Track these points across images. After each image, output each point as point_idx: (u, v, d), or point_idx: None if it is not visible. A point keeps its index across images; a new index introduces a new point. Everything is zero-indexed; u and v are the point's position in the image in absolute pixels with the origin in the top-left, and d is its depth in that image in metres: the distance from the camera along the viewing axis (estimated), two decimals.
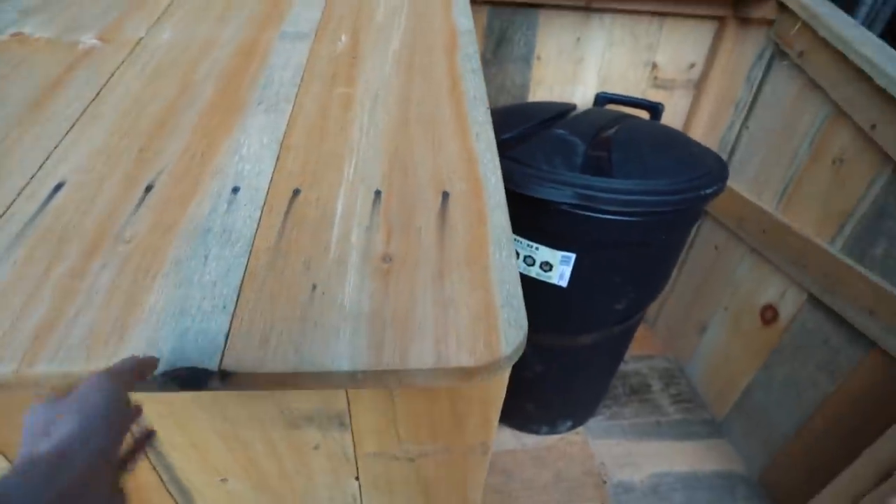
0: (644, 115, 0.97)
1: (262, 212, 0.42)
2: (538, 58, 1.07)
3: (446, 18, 0.67)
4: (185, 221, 0.41)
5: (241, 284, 0.37)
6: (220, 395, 0.41)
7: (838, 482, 0.81)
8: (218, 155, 0.47)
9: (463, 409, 0.46)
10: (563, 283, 0.77)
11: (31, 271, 0.37)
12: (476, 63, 0.60)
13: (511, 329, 0.36)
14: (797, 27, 0.89)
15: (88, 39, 0.56)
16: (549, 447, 1.07)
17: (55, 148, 0.46)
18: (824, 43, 0.83)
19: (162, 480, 0.50)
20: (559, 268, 0.76)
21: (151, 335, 0.34)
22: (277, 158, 0.47)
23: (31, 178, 0.43)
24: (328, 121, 0.51)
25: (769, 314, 1.00)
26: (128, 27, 0.59)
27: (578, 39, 1.07)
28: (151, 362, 0.32)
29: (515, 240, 0.79)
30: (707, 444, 1.11)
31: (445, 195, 0.45)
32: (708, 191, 0.70)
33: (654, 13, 1.05)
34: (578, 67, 1.10)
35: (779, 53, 0.96)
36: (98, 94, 0.51)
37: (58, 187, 0.43)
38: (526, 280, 0.80)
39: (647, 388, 1.23)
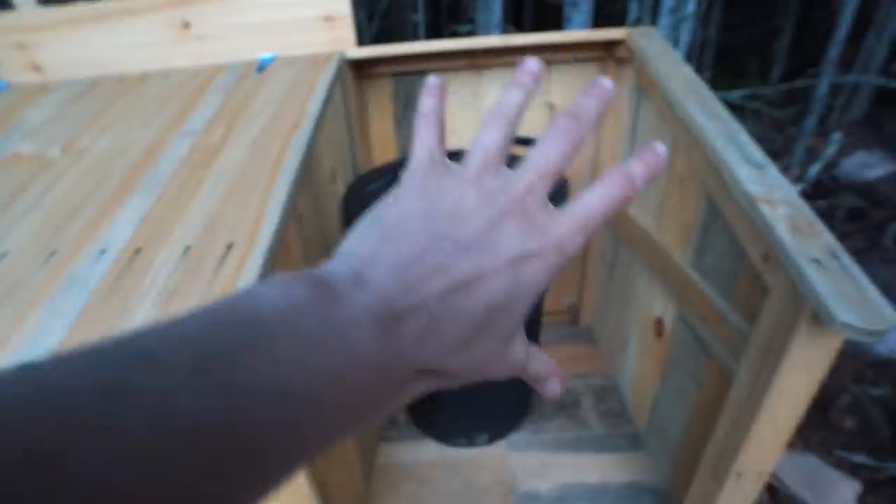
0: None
1: (112, 265, 0.64)
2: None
3: (302, 103, 0.88)
4: (66, 273, 0.64)
5: (82, 310, 0.58)
6: None
7: (692, 489, 0.84)
8: (101, 227, 0.70)
9: None
10: None
11: None
12: (304, 140, 0.79)
13: None
14: (637, 65, 0.99)
15: (53, 151, 0.84)
16: (467, 459, 1.16)
17: (10, 228, 0.72)
18: (652, 80, 0.92)
19: None
20: None
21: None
22: (136, 228, 0.69)
23: None
24: (181, 198, 0.73)
25: (659, 327, 1.05)
26: (82, 139, 0.87)
27: (475, 93, 1.23)
28: None
29: None
30: (625, 456, 1.14)
31: (230, 246, 0.64)
32: None
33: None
34: (480, 116, 1.26)
35: (642, 88, 1.05)
36: (47, 189, 0.78)
37: (3, 255, 0.68)
38: None
39: (578, 404, 1.29)
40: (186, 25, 1.06)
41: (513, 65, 1.19)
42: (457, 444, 1.19)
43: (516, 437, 1.21)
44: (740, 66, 5.33)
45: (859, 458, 1.14)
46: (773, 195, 0.63)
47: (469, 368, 0.19)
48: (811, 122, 3.12)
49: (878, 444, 1.16)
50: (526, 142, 1.13)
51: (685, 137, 0.84)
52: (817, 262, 0.54)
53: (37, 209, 0.74)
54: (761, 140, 3.77)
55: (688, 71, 0.88)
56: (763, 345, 0.63)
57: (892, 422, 1.20)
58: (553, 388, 0.25)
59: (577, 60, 1.18)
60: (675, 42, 2.65)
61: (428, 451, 1.19)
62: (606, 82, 0.24)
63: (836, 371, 1.32)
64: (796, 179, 3.07)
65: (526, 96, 0.24)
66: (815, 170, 3.05)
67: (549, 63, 1.19)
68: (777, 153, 3.47)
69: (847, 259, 0.54)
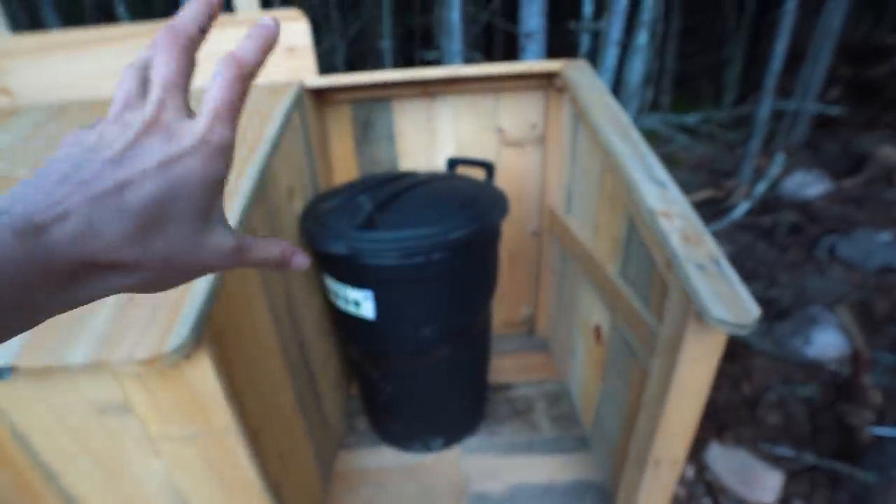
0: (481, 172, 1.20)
1: None
2: (399, 135, 1.33)
3: (260, 129, 0.95)
4: None
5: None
6: (33, 387, 0.65)
7: (623, 480, 0.91)
8: None
9: (199, 397, 0.67)
10: (372, 315, 0.98)
11: None
12: (259, 162, 0.85)
13: (176, 336, 0.58)
14: (570, 95, 1.10)
15: (21, 172, 0.88)
16: (422, 463, 1.21)
17: None
18: (582, 108, 1.03)
19: (30, 460, 0.74)
20: (364, 303, 0.97)
21: None
22: None
23: None
24: None
25: (598, 334, 1.13)
26: None
27: (429, 118, 1.32)
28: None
29: (332, 283, 1.01)
30: (573, 457, 1.21)
31: None
32: (456, 235, 0.89)
33: (487, 90, 1.29)
34: (435, 138, 1.35)
35: (577, 114, 1.16)
36: None
37: None
38: (346, 314, 1.03)
39: (532, 409, 1.35)
40: None
41: (462, 91, 1.29)
42: (413, 449, 1.23)
43: (471, 441, 1.26)
44: (696, 91, 5.67)
45: (782, 451, 1.24)
46: (670, 209, 0.72)
47: (155, 257, 0.22)
48: (755, 144, 3.36)
49: (799, 437, 1.27)
50: (466, 162, 1.23)
51: (609, 159, 0.94)
52: (701, 267, 0.63)
53: None
54: (714, 160, 3.97)
55: (609, 100, 0.99)
56: (665, 342, 0.72)
57: (815, 417, 1.31)
58: (297, 262, 0.30)
59: (523, 89, 1.29)
60: (629, 71, 2.85)
61: (385, 457, 1.23)
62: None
63: (765, 372, 1.44)
64: (744, 197, 3.28)
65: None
66: (761, 188, 3.27)
67: (495, 91, 1.30)
68: (728, 173, 3.70)
69: (725, 263, 0.64)
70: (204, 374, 0.65)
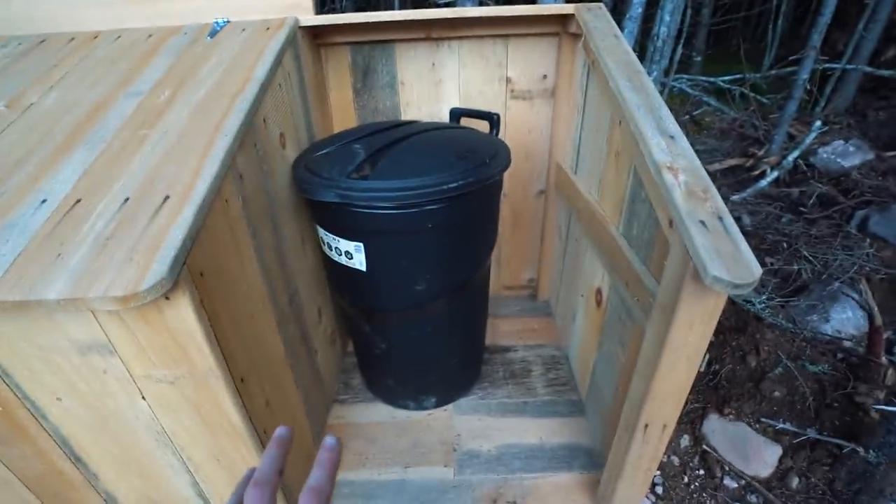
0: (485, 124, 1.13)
1: (52, 213, 0.67)
2: (402, 83, 1.27)
3: (249, 70, 0.90)
4: (5, 220, 0.66)
5: (19, 253, 0.61)
6: (14, 324, 0.65)
7: (614, 443, 0.90)
8: (44, 179, 0.72)
9: (180, 338, 0.67)
10: (363, 268, 0.95)
11: None
12: (247, 104, 0.81)
13: (153, 274, 0.57)
14: (582, 41, 1.01)
15: (1, 106, 0.86)
16: (415, 420, 1.22)
17: None
18: (594, 55, 0.95)
19: (17, 397, 0.76)
20: (356, 255, 0.94)
21: None
22: (77, 180, 0.72)
23: None
24: (123, 153, 0.75)
25: (598, 297, 1.09)
26: (28, 95, 0.89)
27: (433, 65, 1.24)
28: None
29: (324, 234, 0.98)
30: (565, 421, 1.20)
31: (167, 198, 0.67)
32: (451, 186, 0.85)
33: (496, 36, 1.20)
34: (439, 88, 1.27)
35: (590, 63, 1.07)
36: None
37: None
38: (338, 265, 1.01)
39: (528, 373, 1.34)
40: None
41: (468, 37, 1.20)
42: (406, 406, 1.24)
43: (464, 401, 1.26)
44: (732, 51, 5.31)
45: (783, 426, 1.20)
46: (676, 163, 0.66)
47: None
48: (792, 108, 3.14)
49: (803, 413, 1.23)
50: (469, 114, 1.16)
51: (618, 111, 0.86)
52: (702, 223, 0.58)
53: None
54: (745, 126, 3.76)
55: (625, 46, 0.91)
56: (662, 303, 0.68)
57: (822, 394, 1.26)
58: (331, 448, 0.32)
59: (534, 35, 1.20)
60: (658, 23, 2.65)
61: (378, 413, 1.24)
62: (333, 442, 0.32)
63: (775, 346, 1.38)
64: (774, 166, 3.10)
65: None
66: (792, 157, 3.09)
67: (504, 37, 1.21)
68: (759, 140, 3.49)
69: (729, 220, 0.58)
70: (183, 314, 0.64)
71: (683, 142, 0.70)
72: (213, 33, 1.02)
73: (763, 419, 1.23)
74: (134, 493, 0.88)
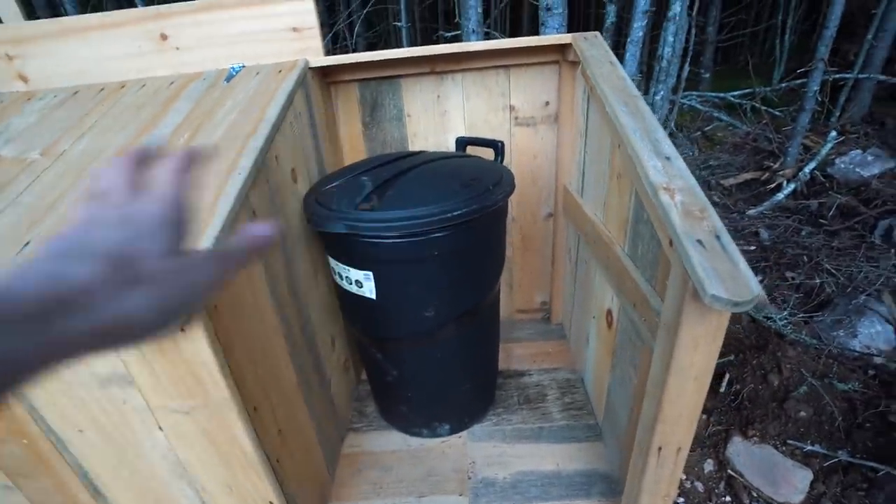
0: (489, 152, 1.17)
1: None
2: (408, 115, 1.31)
3: (262, 111, 0.95)
4: None
5: None
6: None
7: (629, 468, 0.88)
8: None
9: (195, 370, 0.69)
10: (373, 296, 0.97)
11: None
12: (259, 143, 0.86)
13: None
14: (580, 68, 1.04)
15: (34, 154, 0.93)
16: (430, 448, 1.21)
17: None
18: (592, 82, 0.97)
19: (42, 430, 0.79)
20: (365, 284, 0.96)
21: None
22: None
23: None
24: None
25: (609, 318, 1.08)
26: (61, 143, 0.95)
27: (438, 97, 1.29)
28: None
29: (334, 263, 1.01)
30: (582, 446, 1.17)
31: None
32: (455, 214, 0.87)
33: (497, 66, 1.25)
34: (445, 118, 1.32)
35: (589, 89, 1.10)
36: (26, 187, 0.85)
37: None
38: (349, 294, 1.03)
39: (543, 397, 1.32)
40: (164, 37, 1.14)
41: (471, 70, 1.25)
42: (419, 434, 1.23)
43: (478, 428, 1.25)
44: (741, 66, 5.32)
45: (811, 448, 1.15)
46: (672, 184, 0.67)
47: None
48: (804, 120, 3.11)
49: (832, 434, 1.17)
50: (475, 142, 1.19)
51: (617, 135, 0.88)
52: (700, 242, 0.58)
53: (15, 205, 0.82)
54: (758, 139, 3.73)
55: (620, 73, 0.93)
56: (666, 323, 0.67)
57: (852, 414, 1.21)
58: (261, 233, 0.30)
59: (535, 65, 1.24)
60: (662, 44, 2.68)
61: (393, 441, 1.23)
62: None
63: (798, 364, 1.34)
64: (790, 178, 3.06)
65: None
66: (809, 168, 3.04)
67: (505, 67, 1.25)
68: (773, 153, 3.46)
69: (727, 239, 0.59)
70: (198, 347, 0.66)
71: (679, 163, 0.71)
72: (229, 78, 1.08)
73: (790, 441, 1.18)
74: None
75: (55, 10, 4.13)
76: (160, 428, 0.77)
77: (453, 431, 1.23)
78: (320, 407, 1.11)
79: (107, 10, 1.10)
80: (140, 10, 1.13)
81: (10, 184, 0.87)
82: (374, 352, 1.13)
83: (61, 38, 1.13)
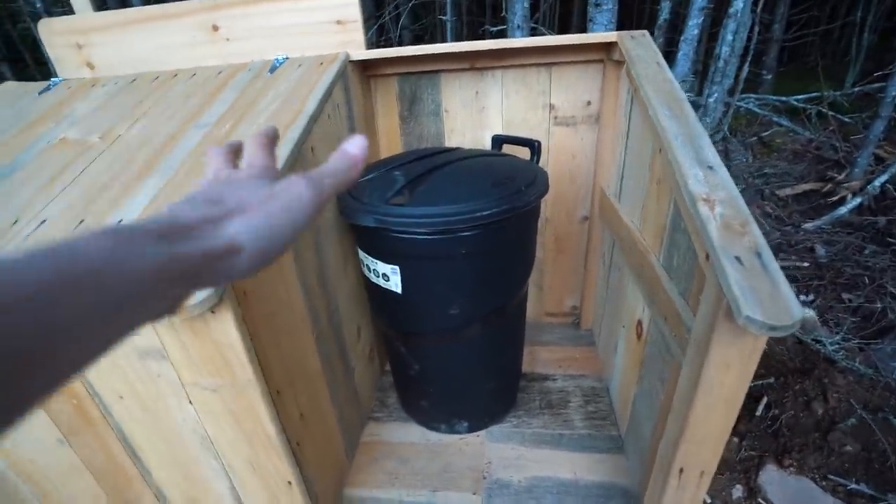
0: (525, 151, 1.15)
1: None
2: (446, 111, 1.31)
3: (302, 102, 0.97)
4: None
5: None
6: None
7: (649, 487, 0.84)
8: (124, 201, 0.82)
9: (223, 350, 0.72)
10: (399, 290, 0.98)
11: None
12: (297, 134, 0.88)
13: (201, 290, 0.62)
14: (625, 68, 1.00)
15: (94, 138, 0.99)
16: (448, 444, 1.21)
17: (52, 200, 0.86)
18: (636, 83, 0.93)
19: (89, 393, 0.85)
20: (392, 277, 0.97)
21: None
22: (149, 203, 0.81)
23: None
24: (186, 180, 0.84)
25: (639, 329, 1.04)
26: (117, 128, 1.02)
27: (477, 93, 1.28)
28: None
29: (363, 256, 1.03)
30: (603, 457, 1.14)
31: None
32: (485, 213, 0.86)
33: (539, 64, 1.22)
34: (482, 115, 1.30)
35: (633, 90, 1.06)
36: (83, 169, 0.92)
37: (42, 222, 0.82)
38: (376, 287, 1.05)
39: (566, 403, 1.30)
40: (216, 28, 1.19)
41: (512, 66, 1.23)
42: (438, 429, 1.24)
43: (497, 429, 1.24)
44: (808, 68, 4.96)
45: (856, 486, 1.06)
46: (712, 195, 0.63)
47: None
48: (878, 128, 2.86)
49: (882, 473, 1.08)
50: (511, 140, 1.17)
51: (658, 139, 0.84)
52: (738, 259, 0.55)
53: (74, 185, 0.88)
54: (822, 147, 3.48)
55: (666, 74, 0.89)
56: (697, 340, 0.64)
57: None
58: (354, 148, 0.34)
59: (578, 63, 1.20)
60: (720, 43, 2.54)
61: (412, 433, 1.25)
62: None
63: (848, 393, 1.25)
64: (856, 191, 2.83)
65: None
66: (879, 181, 2.80)
67: (547, 65, 1.22)
68: (838, 162, 3.21)
69: (769, 257, 0.55)
70: (226, 328, 0.69)
71: (723, 172, 0.67)
72: (272, 69, 1.12)
73: (831, 476, 1.10)
74: (180, 493, 0.95)
75: (125, 2, 4.39)
76: (190, 402, 0.81)
77: (472, 430, 1.23)
78: (343, 394, 1.14)
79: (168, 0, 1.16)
80: (197, 2, 1.18)
81: (73, 163, 0.94)
82: (398, 345, 1.14)
83: (125, 27, 1.20)
